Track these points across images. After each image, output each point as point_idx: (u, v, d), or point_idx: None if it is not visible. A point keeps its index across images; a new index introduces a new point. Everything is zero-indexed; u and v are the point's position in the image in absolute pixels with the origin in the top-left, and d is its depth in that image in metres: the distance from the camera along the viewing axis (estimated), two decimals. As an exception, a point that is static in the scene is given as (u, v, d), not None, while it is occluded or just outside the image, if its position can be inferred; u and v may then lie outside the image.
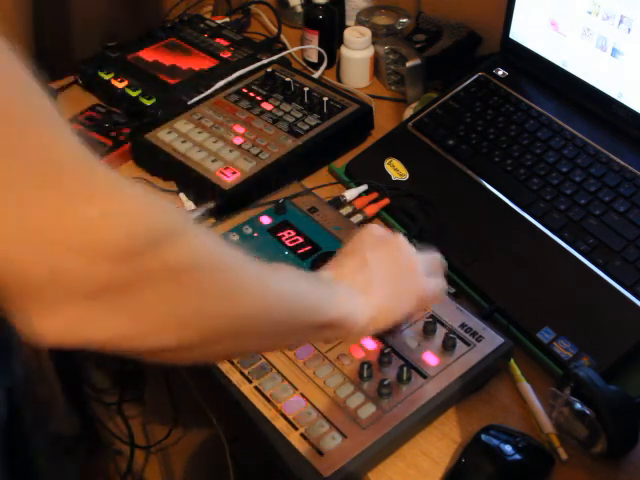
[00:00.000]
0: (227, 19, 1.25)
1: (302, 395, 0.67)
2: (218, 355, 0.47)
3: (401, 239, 0.66)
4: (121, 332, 0.40)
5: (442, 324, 0.72)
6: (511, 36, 1.00)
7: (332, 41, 1.15)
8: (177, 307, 0.41)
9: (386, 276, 0.62)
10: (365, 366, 0.68)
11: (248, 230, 0.83)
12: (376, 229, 0.66)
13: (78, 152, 0.37)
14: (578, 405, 0.64)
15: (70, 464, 1.11)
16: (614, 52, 0.87)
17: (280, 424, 0.65)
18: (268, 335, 0.49)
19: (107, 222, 0.37)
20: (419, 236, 0.83)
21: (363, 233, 0.66)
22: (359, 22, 1.18)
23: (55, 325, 0.38)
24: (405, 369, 0.67)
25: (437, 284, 0.66)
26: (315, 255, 0.80)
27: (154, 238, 0.39)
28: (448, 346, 0.70)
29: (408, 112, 1.03)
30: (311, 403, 0.66)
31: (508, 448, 0.63)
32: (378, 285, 0.61)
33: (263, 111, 1.00)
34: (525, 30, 0.98)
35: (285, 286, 0.51)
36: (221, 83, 1.04)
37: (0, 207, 0.35)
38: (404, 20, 1.18)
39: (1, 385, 0.76)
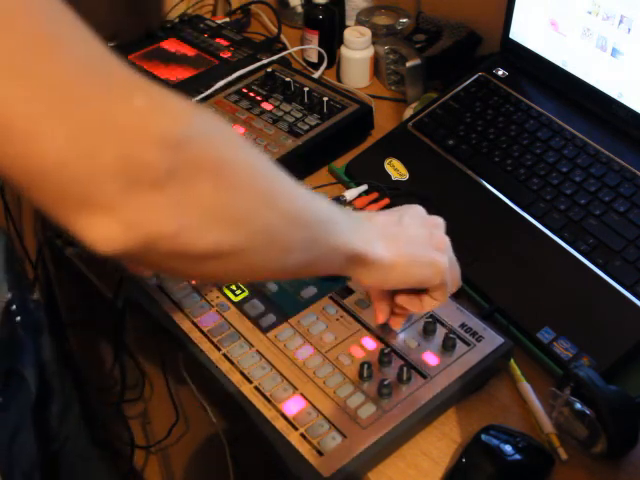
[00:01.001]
0: (227, 19, 1.25)
1: (302, 395, 0.67)
2: (255, 266, 0.48)
3: (441, 220, 0.66)
4: (180, 225, 0.41)
5: (442, 324, 0.72)
6: (511, 36, 1.00)
7: (332, 41, 1.15)
8: (227, 200, 0.43)
9: (413, 239, 0.62)
10: (365, 366, 0.68)
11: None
12: (421, 208, 0.66)
13: (105, 53, 0.40)
14: (578, 405, 0.64)
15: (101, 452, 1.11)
16: (614, 52, 0.87)
17: (280, 424, 0.65)
18: (298, 247, 0.50)
19: (155, 109, 0.39)
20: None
21: (407, 206, 0.66)
22: (359, 22, 1.18)
23: (121, 219, 0.39)
24: (405, 369, 0.67)
25: (458, 273, 0.66)
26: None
27: (201, 126, 0.41)
28: (448, 346, 0.70)
29: (408, 112, 1.03)
30: (311, 403, 0.66)
31: (508, 448, 0.63)
32: (403, 242, 0.61)
33: (263, 111, 1.00)
34: (525, 30, 0.98)
35: (316, 199, 0.53)
36: (221, 83, 1.04)
37: (63, 103, 0.36)
38: (404, 20, 1.18)
39: (31, 364, 0.76)
